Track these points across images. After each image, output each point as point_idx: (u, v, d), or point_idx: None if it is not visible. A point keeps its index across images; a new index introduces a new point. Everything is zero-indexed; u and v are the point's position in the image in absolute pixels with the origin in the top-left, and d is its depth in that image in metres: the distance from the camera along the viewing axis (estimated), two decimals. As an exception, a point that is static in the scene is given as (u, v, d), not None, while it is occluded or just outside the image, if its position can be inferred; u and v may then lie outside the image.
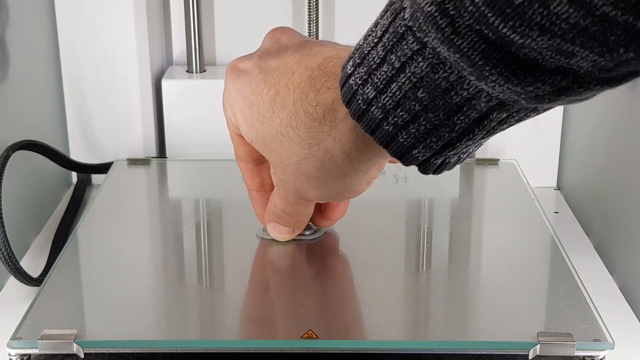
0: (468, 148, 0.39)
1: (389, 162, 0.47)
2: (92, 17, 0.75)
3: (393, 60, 0.35)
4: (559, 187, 0.80)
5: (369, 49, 0.37)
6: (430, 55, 0.34)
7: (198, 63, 0.80)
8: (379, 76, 0.36)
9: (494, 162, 0.71)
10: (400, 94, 0.36)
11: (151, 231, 0.62)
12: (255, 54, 0.47)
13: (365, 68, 0.37)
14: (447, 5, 0.31)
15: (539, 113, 0.36)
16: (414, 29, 0.34)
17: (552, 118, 0.78)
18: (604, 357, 0.45)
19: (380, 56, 0.36)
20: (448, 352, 0.45)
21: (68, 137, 0.79)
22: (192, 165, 0.75)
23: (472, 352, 0.45)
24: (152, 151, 0.79)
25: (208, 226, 0.60)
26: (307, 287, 0.50)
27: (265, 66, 0.45)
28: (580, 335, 0.45)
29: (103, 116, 0.78)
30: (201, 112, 0.78)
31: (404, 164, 0.39)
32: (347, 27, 0.82)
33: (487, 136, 0.37)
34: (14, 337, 0.45)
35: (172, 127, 0.78)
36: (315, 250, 0.56)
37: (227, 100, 0.47)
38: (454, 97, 0.35)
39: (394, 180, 0.67)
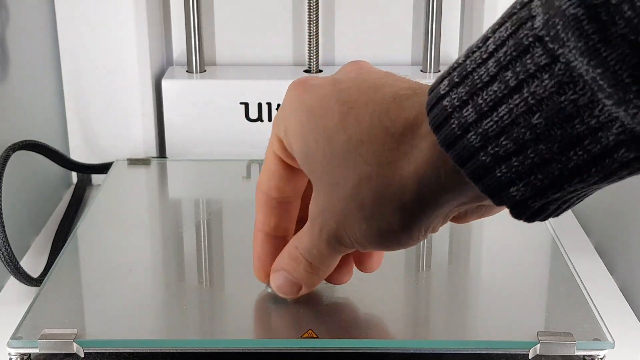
0: (574, 195, 0.33)
1: (452, 221, 0.40)
2: (92, 17, 0.75)
3: (508, 78, 0.30)
4: (559, 187, 0.80)
5: (474, 66, 0.31)
6: (560, 72, 0.29)
7: (198, 63, 0.80)
8: (485, 97, 0.31)
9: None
10: (509, 119, 0.30)
11: (151, 231, 0.62)
12: (332, 75, 0.41)
13: (467, 87, 0.31)
14: (599, 10, 0.26)
15: None
16: (546, 38, 0.28)
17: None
18: (604, 357, 0.45)
19: (491, 73, 0.30)
20: (448, 352, 0.45)
21: (68, 137, 0.79)
22: (192, 165, 0.75)
23: (473, 352, 0.45)
24: (152, 151, 0.79)
25: (208, 226, 0.60)
26: None
27: (342, 84, 0.39)
28: (580, 335, 0.45)
29: (103, 116, 0.78)
30: (201, 112, 0.78)
31: (496, 204, 0.33)
32: (347, 27, 0.82)
33: (602, 181, 0.31)
34: (14, 337, 0.45)
35: (172, 127, 0.78)
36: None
37: (282, 117, 0.40)
38: (578, 127, 0.29)
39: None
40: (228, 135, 0.78)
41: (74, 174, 0.80)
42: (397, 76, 0.39)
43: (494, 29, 0.31)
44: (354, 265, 0.47)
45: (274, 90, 0.77)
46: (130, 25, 0.75)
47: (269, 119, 0.78)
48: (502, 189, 0.32)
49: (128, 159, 0.72)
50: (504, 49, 0.30)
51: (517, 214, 0.33)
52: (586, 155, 0.30)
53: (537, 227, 0.59)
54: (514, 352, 0.44)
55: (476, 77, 0.31)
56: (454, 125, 0.32)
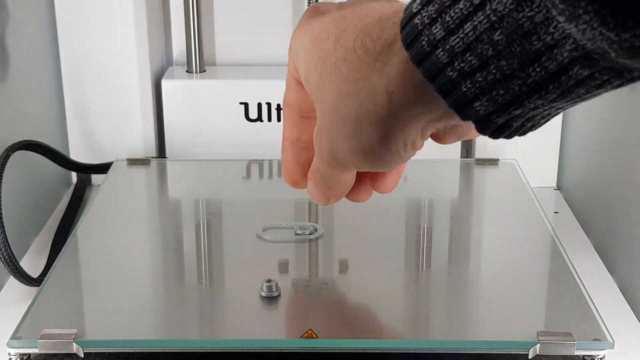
0: (535, 112, 0.35)
1: (435, 140, 0.42)
2: (92, 17, 0.75)
3: None
4: (559, 187, 0.80)
5: None
6: None
7: (198, 63, 0.80)
8: (452, 14, 0.33)
9: (494, 162, 0.71)
10: (474, 36, 0.32)
11: (151, 231, 0.62)
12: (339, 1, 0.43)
13: (436, 6, 0.33)
14: None
15: (622, 81, 0.32)
16: None
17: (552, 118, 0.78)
18: (603, 357, 0.45)
19: None
20: (448, 352, 0.45)
21: (68, 137, 0.79)
22: (192, 165, 0.75)
23: (472, 352, 0.45)
24: (152, 151, 0.79)
25: (208, 226, 0.60)
26: (307, 286, 0.50)
27: (345, 9, 0.41)
28: (580, 335, 0.45)
29: (103, 116, 0.78)
30: (201, 112, 0.78)
31: (462, 118, 0.35)
32: (347, 27, 0.82)
33: (561, 98, 0.33)
34: (13, 337, 0.45)
35: (172, 127, 0.78)
36: (315, 250, 0.56)
37: (294, 40, 0.43)
38: (535, 43, 0.31)
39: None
40: (228, 135, 0.78)
41: (74, 174, 0.80)
42: (396, 0, 0.41)
43: None
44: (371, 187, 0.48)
45: (274, 90, 0.77)
46: (130, 25, 0.75)
47: (269, 119, 0.78)
48: (467, 104, 0.34)
49: (128, 159, 0.72)
50: None
51: (481, 128, 0.35)
52: (543, 72, 0.32)
53: (537, 227, 0.59)
54: (513, 352, 0.44)
55: None
56: (424, 42, 0.34)
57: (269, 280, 0.49)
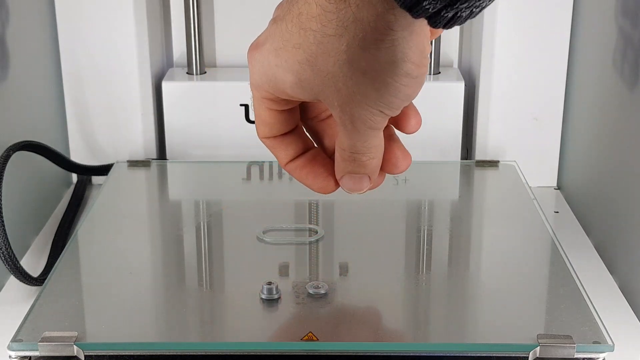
0: (481, 0, 0.38)
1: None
2: (93, 18, 0.75)
3: None
4: (559, 187, 0.80)
5: None
6: None
7: (198, 65, 0.80)
8: None
9: (494, 164, 0.71)
10: None
11: (151, 233, 0.62)
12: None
13: None
14: None
15: None
16: None
17: (552, 118, 0.78)
18: (603, 359, 0.45)
19: None
20: (448, 355, 0.45)
21: (68, 138, 0.79)
22: (192, 167, 0.75)
23: (472, 355, 0.45)
24: (152, 153, 0.79)
25: (208, 228, 0.60)
26: (307, 289, 0.50)
27: (279, 16, 0.44)
28: (580, 337, 0.45)
29: (103, 117, 0.78)
30: (201, 114, 0.78)
31: (413, 17, 0.38)
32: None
33: None
34: (14, 339, 0.45)
35: (172, 129, 0.78)
36: (315, 252, 0.56)
37: (255, 73, 0.45)
38: None
39: (394, 182, 0.67)
40: (228, 137, 0.78)
41: (74, 174, 0.80)
42: None
43: None
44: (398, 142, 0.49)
45: (274, 91, 0.77)
46: (130, 27, 0.75)
47: (269, 120, 0.78)
48: (416, 3, 0.37)
49: (128, 161, 0.72)
50: None
51: (434, 23, 0.38)
52: None
53: (538, 229, 0.59)
54: (513, 355, 0.45)
55: None
56: None
57: (269, 283, 0.49)
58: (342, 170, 0.48)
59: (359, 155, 0.47)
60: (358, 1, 0.40)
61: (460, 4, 0.38)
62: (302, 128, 0.50)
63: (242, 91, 0.78)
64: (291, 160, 0.49)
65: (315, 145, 0.50)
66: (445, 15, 0.38)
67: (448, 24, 0.39)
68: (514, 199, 0.65)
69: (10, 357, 0.45)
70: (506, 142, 0.78)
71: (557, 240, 0.57)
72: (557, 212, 0.75)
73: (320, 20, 0.41)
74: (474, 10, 0.39)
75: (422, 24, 0.42)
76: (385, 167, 0.49)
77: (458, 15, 0.39)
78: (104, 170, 0.75)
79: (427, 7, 0.37)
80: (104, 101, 0.78)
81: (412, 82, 0.43)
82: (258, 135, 0.49)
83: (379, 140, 0.47)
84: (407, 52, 0.41)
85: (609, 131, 0.70)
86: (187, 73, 0.80)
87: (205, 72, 0.80)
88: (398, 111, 0.45)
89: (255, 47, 0.45)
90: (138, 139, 0.79)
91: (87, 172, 0.78)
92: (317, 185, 0.49)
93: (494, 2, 0.40)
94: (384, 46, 0.41)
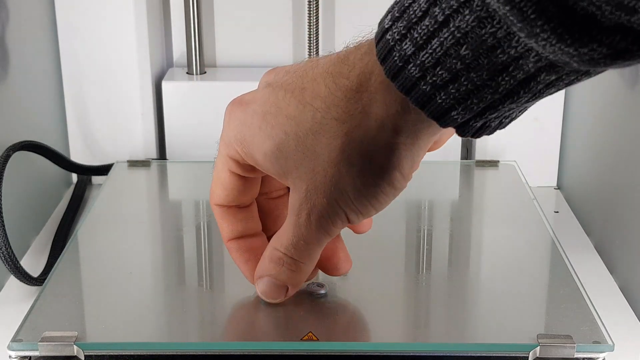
0: (511, 112, 0.37)
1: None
2: (93, 18, 0.75)
3: (436, 14, 0.33)
4: (559, 187, 0.80)
5: (410, 1, 0.35)
6: (478, 8, 0.32)
7: (198, 65, 0.80)
8: (419, 31, 0.34)
9: (494, 163, 0.71)
10: (442, 51, 0.34)
11: (152, 233, 0.62)
12: (258, 87, 0.43)
13: (404, 22, 0.35)
14: None
15: (590, 76, 0.33)
16: None
17: (552, 118, 0.78)
18: (603, 359, 0.45)
19: (423, 9, 0.34)
20: (448, 354, 0.45)
21: (68, 138, 0.79)
22: (193, 167, 0.75)
23: (472, 354, 0.45)
24: (152, 153, 0.79)
25: (208, 228, 0.60)
26: (307, 289, 0.50)
27: (277, 82, 0.41)
28: (580, 337, 0.45)
29: (103, 117, 0.78)
30: (201, 114, 0.78)
31: (441, 126, 0.36)
32: (347, 27, 0.82)
33: (533, 99, 0.35)
34: (14, 339, 0.45)
35: (172, 129, 0.78)
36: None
37: (232, 136, 0.43)
38: (500, 56, 0.33)
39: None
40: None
41: (74, 174, 0.80)
42: (314, 58, 0.42)
43: None
44: (352, 229, 0.48)
45: (274, 91, 0.77)
46: (130, 26, 0.75)
47: (269, 120, 0.78)
48: (444, 113, 0.35)
49: (128, 161, 0.72)
50: None
51: (462, 132, 0.37)
52: (512, 81, 0.33)
53: (538, 229, 0.59)
54: (513, 355, 0.45)
55: (411, 12, 0.34)
56: (396, 58, 0.35)
57: None
58: (265, 271, 0.45)
59: (292, 260, 0.43)
60: (372, 97, 0.38)
61: (490, 114, 0.36)
62: (256, 209, 0.47)
63: (243, 91, 0.77)
64: (235, 239, 0.47)
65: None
66: (474, 125, 0.36)
67: (476, 134, 0.37)
68: (514, 199, 0.65)
69: (10, 357, 0.45)
70: (506, 141, 0.78)
71: (557, 240, 0.57)
72: (557, 212, 0.75)
73: (326, 101, 0.39)
74: (503, 120, 0.37)
75: (429, 138, 0.40)
76: (327, 267, 0.48)
77: (487, 125, 0.37)
78: (104, 170, 0.75)
79: (455, 117, 0.36)
80: (103, 101, 0.78)
81: (391, 192, 0.41)
82: (210, 200, 0.47)
83: (318, 252, 0.44)
84: (402, 160, 0.39)
85: (609, 131, 0.70)
86: (187, 73, 0.80)
87: (205, 72, 0.80)
88: (359, 221, 0.42)
89: (238, 103, 0.43)
90: (138, 139, 0.79)
91: (87, 172, 0.78)
92: (252, 277, 0.47)
93: (524, 112, 0.38)
94: (383, 146, 0.39)
